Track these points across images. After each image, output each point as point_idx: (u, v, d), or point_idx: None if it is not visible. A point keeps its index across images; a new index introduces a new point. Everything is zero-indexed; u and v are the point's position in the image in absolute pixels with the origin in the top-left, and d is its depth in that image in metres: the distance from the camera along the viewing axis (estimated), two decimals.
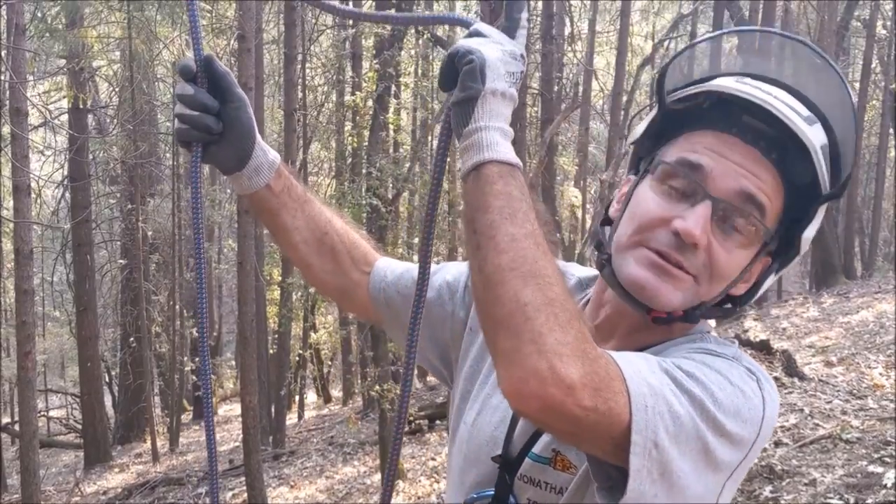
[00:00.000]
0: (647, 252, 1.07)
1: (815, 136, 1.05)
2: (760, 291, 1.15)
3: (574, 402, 0.85)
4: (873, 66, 19.42)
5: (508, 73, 0.98)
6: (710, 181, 1.05)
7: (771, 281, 1.15)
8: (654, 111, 1.16)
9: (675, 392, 0.92)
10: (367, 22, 10.13)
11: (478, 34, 1.02)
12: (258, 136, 1.30)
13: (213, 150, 1.26)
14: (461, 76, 0.97)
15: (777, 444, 6.24)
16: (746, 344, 8.28)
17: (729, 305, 1.16)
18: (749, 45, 1.27)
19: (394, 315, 1.44)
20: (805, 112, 1.07)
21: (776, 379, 7.50)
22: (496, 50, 0.98)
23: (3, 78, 8.65)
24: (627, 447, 0.89)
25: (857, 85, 20.42)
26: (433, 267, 1.40)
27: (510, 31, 1.01)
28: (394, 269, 1.45)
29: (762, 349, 8.11)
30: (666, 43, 19.37)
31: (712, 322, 1.19)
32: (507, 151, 0.96)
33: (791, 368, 7.81)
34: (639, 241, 1.08)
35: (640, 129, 1.18)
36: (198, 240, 1.25)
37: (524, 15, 1.02)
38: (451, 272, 1.42)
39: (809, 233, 1.10)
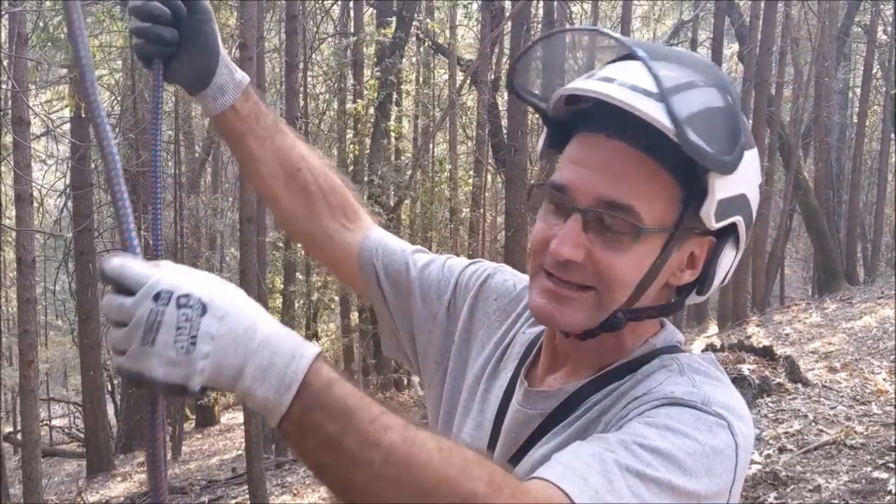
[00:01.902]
0: (543, 280, 1.06)
1: (668, 110, 0.96)
2: (721, 273, 1.11)
3: None
4: (874, 71, 19.44)
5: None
6: (575, 195, 1.03)
7: (730, 259, 1.11)
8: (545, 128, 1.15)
9: (636, 493, 0.89)
10: None
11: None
12: (223, 52, 1.25)
13: (174, 67, 1.20)
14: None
15: (781, 450, 6.22)
16: (750, 350, 8.27)
17: (674, 300, 1.13)
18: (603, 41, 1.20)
19: (375, 294, 1.39)
20: (668, 82, 0.99)
21: (779, 385, 7.48)
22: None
23: (4, 87, 8.67)
24: None
25: (857, 90, 20.46)
26: (426, 257, 1.38)
27: None
28: (387, 245, 1.39)
29: (765, 355, 8.09)
30: None
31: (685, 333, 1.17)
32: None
33: (794, 374, 7.79)
34: (537, 265, 1.07)
35: (540, 144, 1.17)
36: (155, 162, 1.16)
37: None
38: (440, 269, 1.37)
39: (706, 209, 1.02)
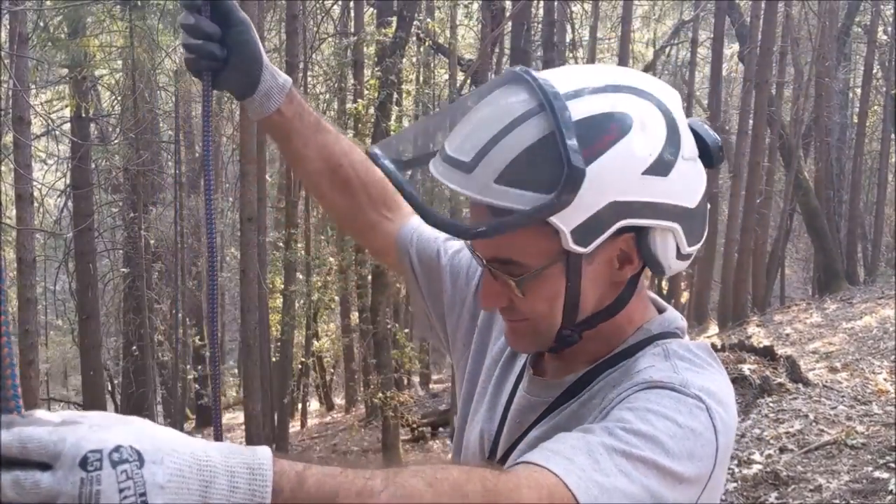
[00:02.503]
0: (502, 319, 1.17)
1: (479, 177, 0.98)
2: (668, 255, 1.06)
3: None
4: (874, 71, 19.44)
5: None
6: (478, 253, 1.10)
7: (669, 241, 1.05)
8: None
9: (624, 471, 0.90)
10: None
11: None
12: (266, 59, 1.32)
13: (222, 77, 1.29)
14: None
15: (782, 450, 6.22)
16: (750, 350, 8.27)
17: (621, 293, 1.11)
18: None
19: (410, 279, 1.47)
20: (478, 143, 0.99)
21: (780, 385, 7.48)
22: None
23: (4, 87, 8.67)
24: None
25: (858, 90, 20.46)
26: (457, 244, 1.43)
27: None
28: (422, 234, 1.44)
29: (766, 355, 8.09)
30: (667, 49, 19.39)
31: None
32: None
33: (795, 374, 7.79)
34: None
35: None
36: (207, 172, 1.26)
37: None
38: (470, 256, 1.38)
39: (566, 244, 1.00)
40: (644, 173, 1.00)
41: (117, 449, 0.71)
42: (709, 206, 1.15)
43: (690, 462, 0.94)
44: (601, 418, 1.00)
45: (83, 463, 0.69)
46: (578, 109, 0.99)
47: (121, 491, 0.70)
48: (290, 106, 1.37)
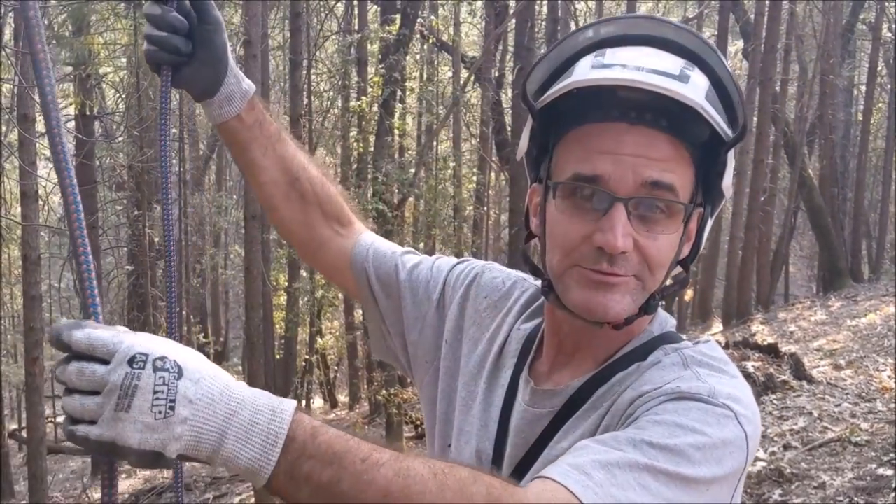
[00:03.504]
0: (583, 271, 1.05)
1: (693, 91, 1.00)
2: (703, 242, 1.14)
3: None
4: (879, 68, 19.39)
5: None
6: (612, 184, 1.02)
7: (709, 226, 1.14)
8: (530, 120, 1.13)
9: (643, 484, 0.89)
10: None
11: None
12: (232, 62, 1.27)
13: (184, 74, 1.23)
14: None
15: (786, 447, 6.22)
16: (754, 347, 8.26)
17: (678, 271, 1.15)
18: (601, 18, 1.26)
19: (366, 296, 1.41)
20: (676, 66, 1.02)
21: (784, 382, 7.48)
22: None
23: (9, 86, 8.69)
24: None
25: (863, 88, 20.41)
26: (415, 258, 1.40)
27: None
28: (377, 249, 1.41)
29: (770, 352, 8.09)
30: None
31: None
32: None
33: (799, 372, 7.79)
34: (570, 263, 1.06)
35: (523, 141, 1.16)
36: (165, 167, 1.20)
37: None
38: (429, 269, 1.38)
39: (727, 181, 1.10)
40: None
41: (162, 358, 0.80)
42: None
43: (718, 467, 0.94)
44: (624, 425, 0.99)
45: (131, 361, 0.79)
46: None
47: (155, 392, 0.78)
48: (250, 113, 1.32)
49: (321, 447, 0.82)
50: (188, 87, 1.27)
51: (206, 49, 1.23)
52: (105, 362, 0.79)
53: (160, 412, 0.78)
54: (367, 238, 1.42)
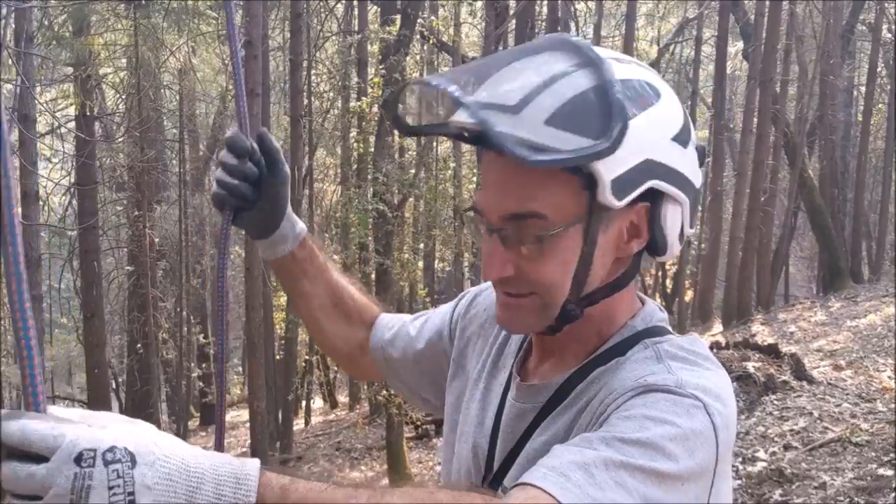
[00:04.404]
0: (497, 294, 1.12)
1: (513, 123, 0.96)
2: (672, 231, 1.09)
3: None
4: (879, 69, 19.41)
5: None
6: (488, 216, 1.06)
7: (676, 216, 1.08)
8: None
9: (620, 482, 0.90)
10: None
11: None
12: (289, 208, 1.34)
13: (244, 216, 1.30)
14: None
15: (787, 447, 6.22)
16: (755, 348, 8.27)
17: (625, 270, 1.12)
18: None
19: (393, 371, 1.47)
20: (523, 91, 0.98)
21: (784, 383, 7.48)
22: None
23: (9, 86, 8.69)
24: None
25: (863, 89, 20.41)
26: (421, 318, 1.47)
27: None
28: (390, 324, 1.47)
29: (771, 353, 8.09)
30: (671, 47, 19.37)
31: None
32: None
33: (800, 372, 7.79)
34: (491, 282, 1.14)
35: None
36: (221, 303, 1.29)
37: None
38: (435, 317, 1.44)
39: (603, 194, 1.00)
40: (673, 139, 1.05)
41: (111, 449, 0.75)
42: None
43: (692, 461, 0.94)
44: (597, 426, 1.00)
45: (78, 459, 0.73)
46: (620, 71, 1.03)
47: (110, 488, 0.73)
48: (302, 250, 1.39)
49: None
50: (246, 228, 1.33)
51: (271, 198, 1.29)
52: (43, 459, 0.74)
53: None
54: (382, 319, 1.49)
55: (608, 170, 0.99)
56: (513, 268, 1.06)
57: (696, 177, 1.11)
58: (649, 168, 1.03)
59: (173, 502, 0.76)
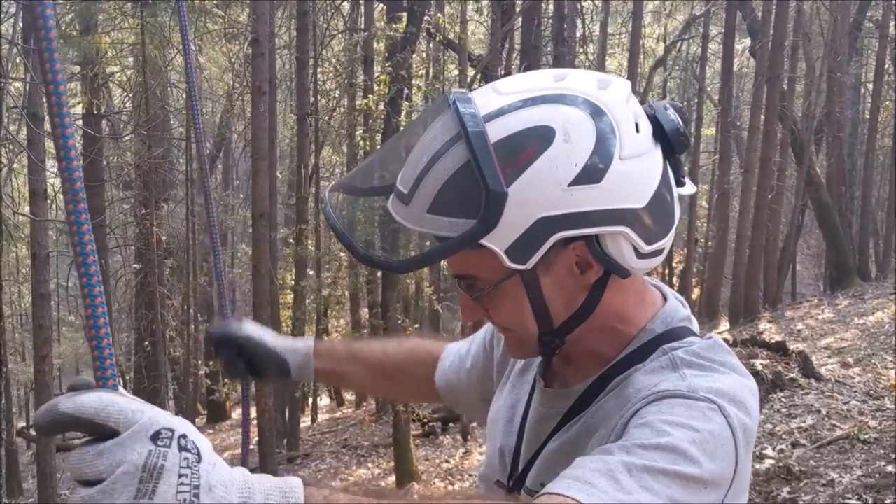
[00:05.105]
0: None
1: (403, 211, 1.04)
2: (628, 257, 1.04)
3: None
4: (886, 66, 19.33)
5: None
6: (450, 270, 1.13)
7: (626, 243, 1.02)
8: None
9: (646, 486, 0.90)
10: None
11: None
12: (289, 355, 1.55)
13: (259, 376, 1.56)
14: None
15: (794, 445, 6.21)
16: (762, 345, 8.26)
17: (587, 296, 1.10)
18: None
19: (456, 397, 1.54)
20: (412, 178, 1.02)
21: (792, 380, 7.47)
22: None
23: (18, 84, 8.73)
24: None
25: (870, 86, 20.36)
26: (464, 345, 1.54)
27: None
28: (449, 354, 1.54)
29: (778, 351, 8.08)
30: (678, 44, 19.33)
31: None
32: None
33: (808, 369, 7.78)
34: None
35: None
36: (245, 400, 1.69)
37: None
38: (476, 341, 1.50)
39: (501, 263, 1.02)
40: (570, 185, 0.98)
41: (184, 436, 0.71)
42: (677, 194, 1.08)
43: (713, 464, 0.94)
44: (615, 437, 1.00)
45: (155, 437, 0.69)
46: (498, 129, 0.99)
47: (180, 475, 0.69)
48: (320, 360, 1.56)
49: None
50: (265, 383, 1.55)
51: (270, 367, 1.55)
52: (111, 435, 0.69)
53: (185, 500, 0.69)
54: (444, 354, 1.55)
55: (497, 242, 0.99)
56: (481, 311, 1.12)
57: (634, 197, 1.01)
58: (547, 225, 0.99)
59: None
